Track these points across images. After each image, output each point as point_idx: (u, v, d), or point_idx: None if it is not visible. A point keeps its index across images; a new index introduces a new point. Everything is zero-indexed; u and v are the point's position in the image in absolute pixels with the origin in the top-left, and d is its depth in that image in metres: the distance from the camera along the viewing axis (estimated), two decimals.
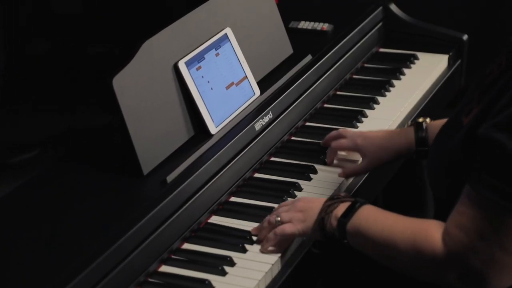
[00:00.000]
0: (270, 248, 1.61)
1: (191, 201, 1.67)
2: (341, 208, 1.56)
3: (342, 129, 1.95)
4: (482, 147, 1.36)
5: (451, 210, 1.50)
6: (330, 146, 1.92)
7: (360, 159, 1.90)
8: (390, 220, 1.51)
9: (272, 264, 1.59)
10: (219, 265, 1.57)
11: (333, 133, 1.94)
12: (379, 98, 2.19)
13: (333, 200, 1.59)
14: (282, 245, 1.62)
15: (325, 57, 2.18)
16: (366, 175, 1.92)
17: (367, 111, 2.13)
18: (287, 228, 1.60)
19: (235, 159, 1.80)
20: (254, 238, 1.65)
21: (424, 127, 1.83)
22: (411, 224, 1.49)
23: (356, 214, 1.54)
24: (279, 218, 1.61)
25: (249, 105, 1.93)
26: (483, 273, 1.37)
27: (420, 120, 1.85)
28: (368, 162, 1.86)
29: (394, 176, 2.13)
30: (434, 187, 1.59)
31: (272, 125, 1.94)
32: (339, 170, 1.88)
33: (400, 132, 1.87)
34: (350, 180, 1.89)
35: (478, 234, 1.37)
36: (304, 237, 1.63)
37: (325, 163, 1.91)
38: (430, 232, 1.44)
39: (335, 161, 1.92)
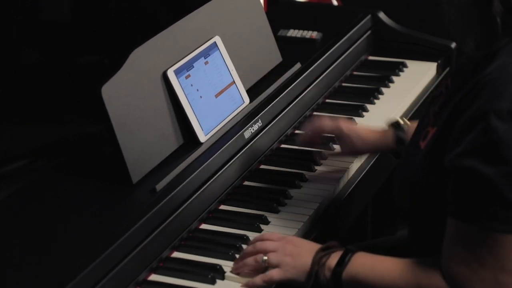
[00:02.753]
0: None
1: (180, 209, 1.66)
2: (334, 259, 1.54)
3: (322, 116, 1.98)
4: (454, 177, 1.36)
5: (415, 221, 1.52)
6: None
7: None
8: (387, 264, 1.50)
9: None
10: (208, 274, 1.57)
11: (314, 128, 1.95)
12: (368, 106, 2.20)
13: (324, 251, 1.55)
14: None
15: (314, 65, 2.18)
16: (355, 184, 1.92)
17: (357, 119, 2.14)
18: (276, 274, 1.55)
19: (225, 167, 1.80)
20: (244, 246, 1.65)
21: (402, 127, 1.87)
22: (409, 266, 1.48)
23: (351, 263, 1.52)
24: (265, 258, 1.56)
25: (238, 113, 1.93)
26: None
27: (399, 120, 1.89)
28: (347, 150, 1.91)
29: (382, 185, 2.13)
30: (399, 203, 1.59)
31: (261, 133, 1.94)
32: (328, 180, 1.88)
33: (381, 131, 1.91)
34: (340, 188, 1.89)
35: (479, 262, 1.35)
36: (292, 284, 1.57)
37: (314, 171, 1.91)
38: (431, 275, 1.43)
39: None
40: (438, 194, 1.42)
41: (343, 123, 1.91)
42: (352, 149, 1.91)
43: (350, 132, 1.89)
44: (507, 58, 1.37)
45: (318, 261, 1.54)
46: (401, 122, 1.89)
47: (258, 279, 1.55)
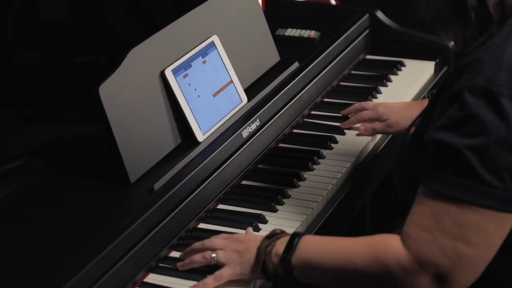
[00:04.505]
0: None
1: (178, 208, 1.66)
2: (280, 245, 1.52)
3: (364, 102, 2.11)
4: (429, 150, 1.41)
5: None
6: (350, 115, 2.11)
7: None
8: (338, 243, 1.49)
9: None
10: (206, 273, 1.57)
11: (356, 105, 2.12)
12: None
13: (270, 239, 1.55)
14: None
15: (312, 64, 2.18)
16: (352, 183, 1.93)
17: None
18: (225, 273, 1.55)
19: (223, 167, 1.80)
20: None
21: None
22: (363, 240, 1.47)
23: (299, 247, 1.50)
24: (214, 255, 1.56)
25: (236, 112, 1.93)
26: (451, 269, 1.38)
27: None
28: (386, 125, 2.04)
29: (381, 183, 2.13)
30: (399, 193, 1.60)
31: (259, 132, 1.94)
32: (327, 179, 1.88)
33: (419, 103, 2.03)
34: (338, 187, 1.89)
35: (441, 230, 1.37)
36: (244, 278, 1.57)
37: (312, 170, 1.91)
38: (388, 242, 1.43)
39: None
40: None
41: (379, 106, 2.07)
42: (394, 127, 2.03)
43: (386, 110, 2.05)
44: (494, 40, 1.42)
45: (264, 250, 1.53)
46: None
47: (210, 280, 1.54)
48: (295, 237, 1.52)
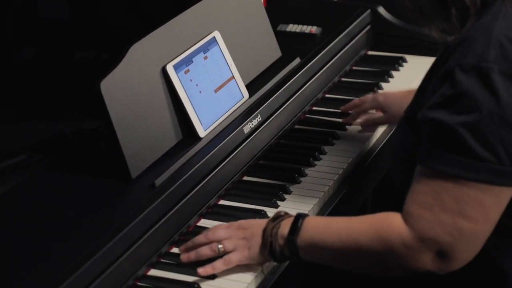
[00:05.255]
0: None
1: (180, 204, 1.66)
2: (285, 226, 1.54)
3: (363, 97, 2.10)
4: (423, 129, 1.42)
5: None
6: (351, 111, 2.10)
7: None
8: (342, 222, 1.51)
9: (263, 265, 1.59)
10: None
11: (355, 101, 2.10)
12: None
13: (274, 221, 1.56)
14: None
15: (314, 60, 2.18)
16: (354, 179, 1.92)
17: None
18: (234, 257, 1.56)
19: (224, 162, 1.80)
20: None
21: None
22: (365, 219, 1.49)
23: (304, 228, 1.52)
24: (221, 246, 1.57)
25: (237, 108, 1.93)
26: (453, 245, 1.40)
27: None
28: (389, 116, 2.03)
29: (383, 179, 2.13)
30: (396, 179, 1.62)
31: (261, 128, 1.94)
32: (329, 175, 1.88)
33: None
34: (339, 183, 1.89)
35: (440, 207, 1.39)
36: (253, 262, 1.58)
37: (314, 166, 1.91)
38: (390, 220, 1.45)
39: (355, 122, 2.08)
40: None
41: (379, 96, 2.07)
42: (396, 117, 1.97)
43: (387, 100, 2.04)
44: (484, 18, 1.45)
45: (270, 232, 1.54)
46: None
47: (219, 263, 1.55)
48: (299, 218, 1.53)
